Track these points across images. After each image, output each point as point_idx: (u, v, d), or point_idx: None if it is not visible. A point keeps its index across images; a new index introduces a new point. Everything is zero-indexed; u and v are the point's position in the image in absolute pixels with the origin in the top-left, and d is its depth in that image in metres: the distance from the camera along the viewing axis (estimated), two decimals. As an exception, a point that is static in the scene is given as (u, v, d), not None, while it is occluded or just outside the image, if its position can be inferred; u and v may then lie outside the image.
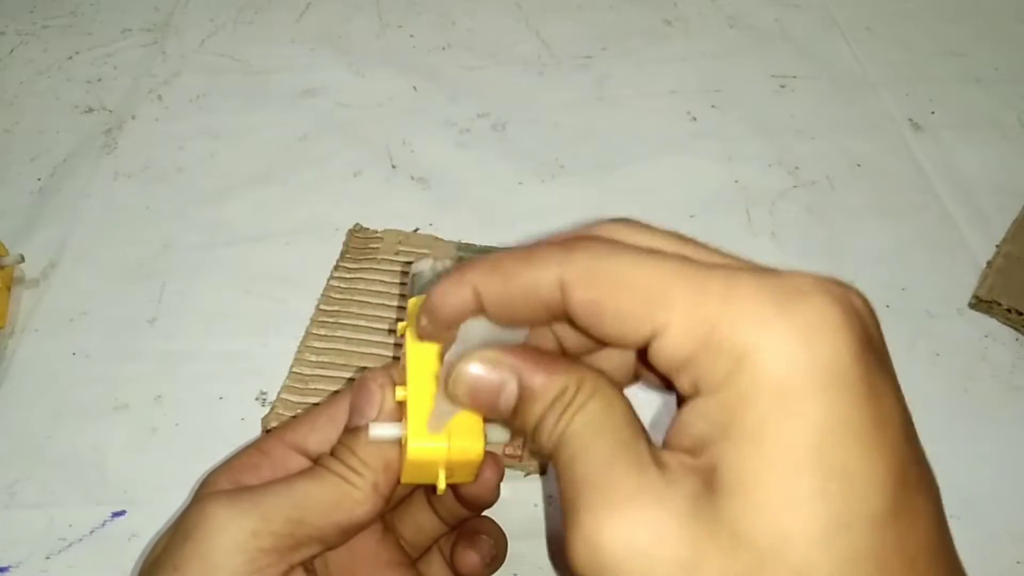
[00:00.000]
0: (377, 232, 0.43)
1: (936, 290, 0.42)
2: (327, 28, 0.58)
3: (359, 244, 0.43)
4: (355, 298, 0.40)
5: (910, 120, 0.51)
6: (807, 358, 0.16)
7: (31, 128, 0.50)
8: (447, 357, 0.21)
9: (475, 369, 0.20)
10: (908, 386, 0.41)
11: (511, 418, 0.20)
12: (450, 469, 0.23)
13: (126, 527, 0.33)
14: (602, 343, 0.20)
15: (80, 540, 0.33)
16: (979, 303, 0.41)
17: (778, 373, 0.17)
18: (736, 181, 0.48)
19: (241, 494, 0.24)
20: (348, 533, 0.24)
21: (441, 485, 0.24)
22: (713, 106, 0.52)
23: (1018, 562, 0.33)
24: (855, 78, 0.55)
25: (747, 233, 0.45)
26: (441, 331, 0.21)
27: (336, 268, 0.41)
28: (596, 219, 0.21)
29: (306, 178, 0.47)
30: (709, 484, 0.17)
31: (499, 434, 0.23)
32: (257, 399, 0.37)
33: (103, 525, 0.33)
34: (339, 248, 0.43)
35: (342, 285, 0.41)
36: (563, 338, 0.22)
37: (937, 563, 0.17)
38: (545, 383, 0.19)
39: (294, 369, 0.37)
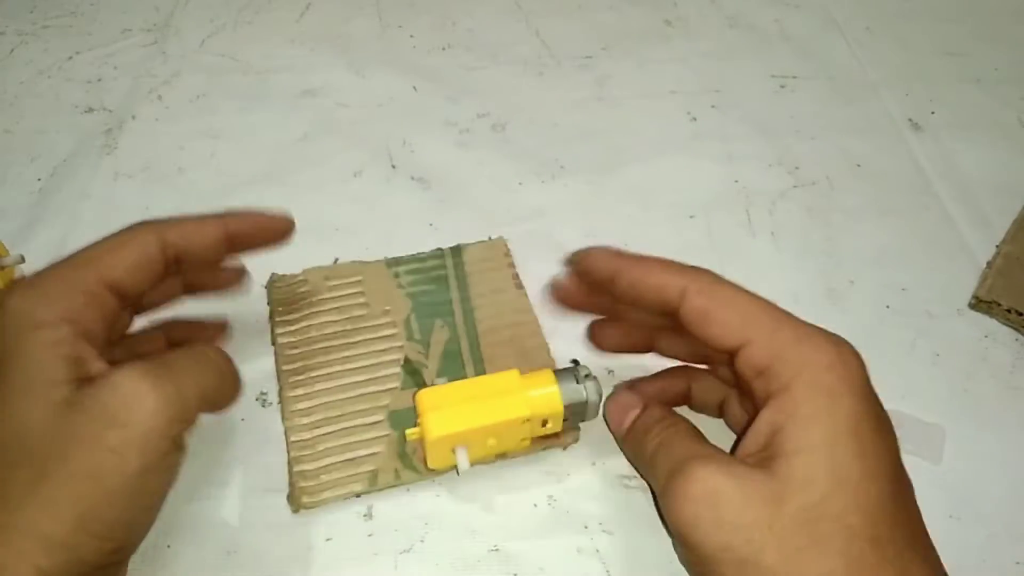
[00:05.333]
0: (297, 275, 0.40)
1: (936, 290, 0.42)
2: (327, 28, 0.58)
3: (285, 293, 0.40)
4: (314, 347, 0.38)
5: (910, 120, 0.51)
6: (841, 377, 0.26)
7: (31, 128, 0.50)
8: None
9: (624, 395, 0.33)
10: (908, 386, 0.41)
11: (627, 433, 0.32)
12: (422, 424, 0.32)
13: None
14: (704, 346, 0.29)
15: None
16: (979, 303, 0.41)
17: (825, 381, 0.26)
18: (736, 181, 0.48)
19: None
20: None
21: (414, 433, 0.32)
22: (713, 106, 0.52)
23: (1018, 562, 0.33)
24: (855, 78, 0.55)
25: (747, 233, 0.45)
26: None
27: (276, 325, 0.39)
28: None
29: (306, 178, 0.47)
30: (773, 456, 0.25)
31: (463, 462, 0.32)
32: (257, 399, 0.37)
33: (103, 525, 0.33)
34: (338, 249, 0.43)
35: (293, 340, 0.38)
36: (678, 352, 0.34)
37: (911, 515, 0.26)
38: (653, 411, 0.31)
39: (292, 439, 0.35)
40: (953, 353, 0.39)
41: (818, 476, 0.25)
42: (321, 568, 0.32)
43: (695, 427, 0.30)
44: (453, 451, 0.32)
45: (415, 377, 0.37)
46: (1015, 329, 0.40)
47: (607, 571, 0.32)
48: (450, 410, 0.31)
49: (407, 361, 0.37)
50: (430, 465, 0.33)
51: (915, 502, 0.27)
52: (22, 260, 0.40)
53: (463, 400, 0.32)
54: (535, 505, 0.34)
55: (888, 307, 0.41)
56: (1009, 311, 0.40)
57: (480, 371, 0.37)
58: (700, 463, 0.26)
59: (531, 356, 0.38)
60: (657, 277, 0.29)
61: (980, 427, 0.37)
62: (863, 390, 0.26)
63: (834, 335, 0.27)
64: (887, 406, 0.37)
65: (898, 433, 0.35)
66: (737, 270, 0.43)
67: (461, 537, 0.33)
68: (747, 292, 0.28)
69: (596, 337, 0.35)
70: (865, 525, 0.24)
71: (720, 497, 0.25)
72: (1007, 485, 0.35)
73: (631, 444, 0.32)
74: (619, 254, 0.31)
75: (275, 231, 0.33)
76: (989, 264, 0.43)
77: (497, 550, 0.32)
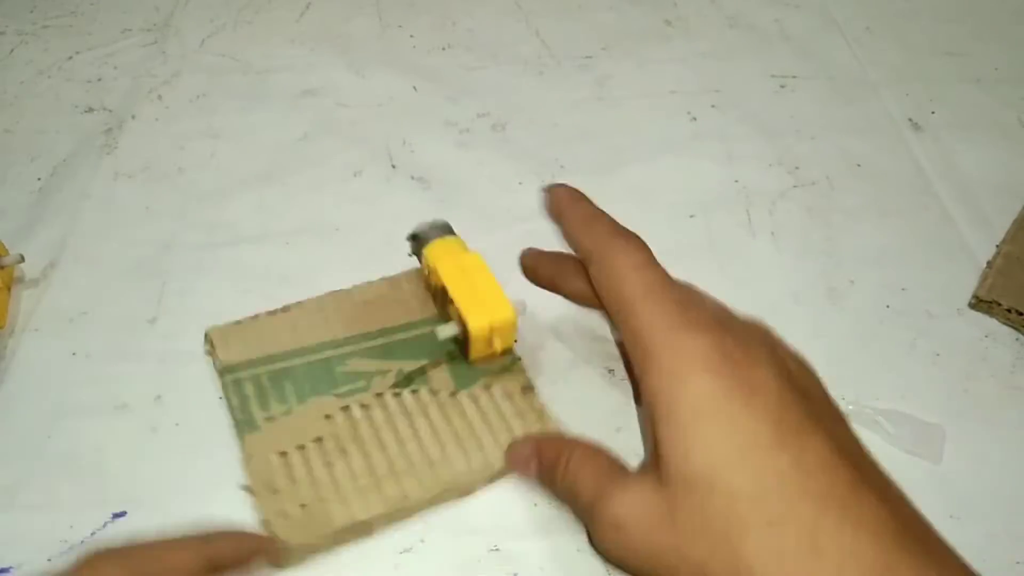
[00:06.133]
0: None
1: (936, 290, 0.42)
2: (327, 28, 0.58)
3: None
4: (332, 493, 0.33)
5: (910, 120, 0.51)
6: (692, 354, 0.25)
7: (31, 128, 0.50)
8: None
9: (519, 447, 0.33)
10: (908, 386, 0.41)
11: (539, 476, 0.32)
12: (498, 335, 0.35)
13: (126, 528, 0.33)
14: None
15: (81, 542, 0.33)
16: (979, 303, 0.41)
17: (671, 363, 0.25)
18: (736, 181, 0.48)
19: None
20: None
21: (497, 348, 0.36)
22: (713, 106, 0.52)
23: (1018, 562, 0.33)
24: (855, 78, 0.55)
25: (747, 233, 0.45)
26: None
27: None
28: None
29: (306, 178, 0.47)
30: (657, 462, 0.25)
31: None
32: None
33: (104, 526, 0.33)
34: (337, 248, 0.43)
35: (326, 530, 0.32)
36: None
37: (836, 474, 0.23)
38: (550, 452, 0.31)
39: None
40: (953, 353, 0.39)
41: (697, 478, 0.24)
42: (321, 568, 0.32)
43: (590, 448, 0.30)
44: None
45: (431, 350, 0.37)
46: (1015, 329, 0.40)
47: (607, 571, 0.32)
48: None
49: (404, 376, 0.36)
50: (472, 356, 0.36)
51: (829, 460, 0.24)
52: (22, 260, 0.40)
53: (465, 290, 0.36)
54: (535, 505, 0.34)
55: (888, 307, 0.41)
56: (1009, 311, 0.40)
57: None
58: (602, 503, 0.27)
59: (399, 284, 0.40)
60: (576, 235, 0.31)
61: (980, 427, 0.37)
62: (720, 364, 0.25)
63: (694, 313, 0.26)
64: (887, 406, 0.37)
65: (893, 432, 0.35)
66: (737, 270, 0.43)
67: (461, 537, 0.33)
68: (646, 268, 0.28)
69: (526, 260, 0.36)
70: (752, 509, 0.23)
71: (643, 518, 0.25)
72: (1007, 485, 0.35)
73: (545, 488, 0.32)
74: (573, 198, 0.32)
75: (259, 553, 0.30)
76: (989, 264, 0.43)
77: (497, 550, 0.32)
